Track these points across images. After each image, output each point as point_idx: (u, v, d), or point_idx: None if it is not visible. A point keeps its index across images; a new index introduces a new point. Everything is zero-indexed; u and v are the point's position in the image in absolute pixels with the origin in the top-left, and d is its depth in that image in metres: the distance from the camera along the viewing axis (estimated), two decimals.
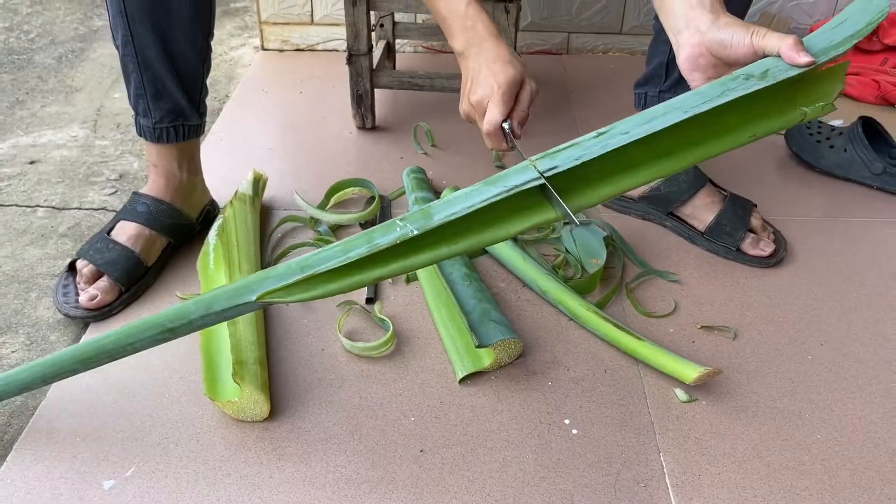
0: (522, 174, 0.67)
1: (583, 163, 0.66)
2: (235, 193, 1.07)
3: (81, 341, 0.91)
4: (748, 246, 1.06)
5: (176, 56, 0.95)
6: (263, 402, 0.79)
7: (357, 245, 0.67)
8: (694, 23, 0.74)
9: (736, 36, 0.71)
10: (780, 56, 0.68)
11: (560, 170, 0.66)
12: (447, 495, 0.74)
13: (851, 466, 0.77)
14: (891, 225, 1.16)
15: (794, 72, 0.67)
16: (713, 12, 0.73)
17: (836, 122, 1.38)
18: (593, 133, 0.68)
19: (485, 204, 0.66)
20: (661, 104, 0.70)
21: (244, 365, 0.81)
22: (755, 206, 1.11)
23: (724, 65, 0.73)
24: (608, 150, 0.66)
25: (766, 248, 1.06)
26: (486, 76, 0.80)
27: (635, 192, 1.15)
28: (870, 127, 1.26)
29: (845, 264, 1.07)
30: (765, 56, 0.70)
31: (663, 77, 1.07)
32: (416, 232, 0.66)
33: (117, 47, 0.95)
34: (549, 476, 0.76)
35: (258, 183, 1.15)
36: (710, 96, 0.68)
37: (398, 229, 0.67)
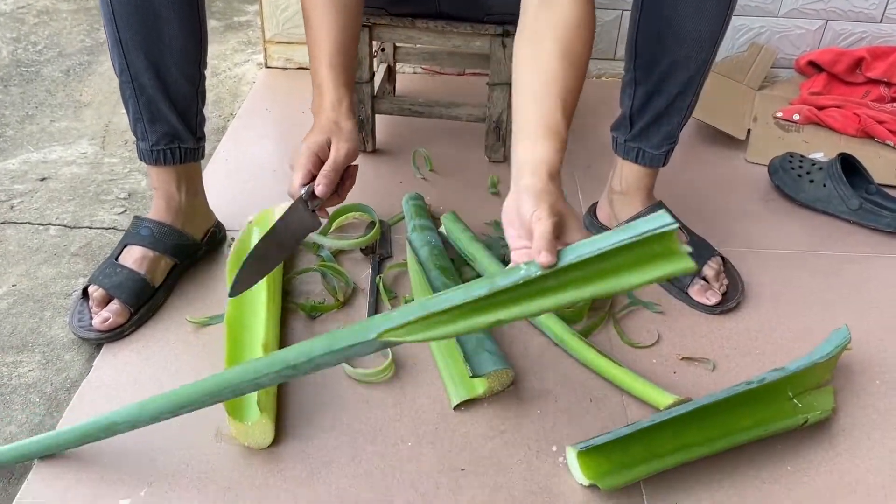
0: (660, 219, 0.65)
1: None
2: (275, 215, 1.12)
3: (95, 362, 0.96)
4: (695, 292, 1.09)
5: (169, 83, 1.00)
6: (270, 434, 0.85)
7: (479, 287, 0.68)
8: (518, 179, 0.75)
9: (526, 206, 0.71)
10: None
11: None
12: None
13: (817, 498, 0.83)
14: (868, 259, 1.22)
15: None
16: (534, 174, 0.74)
17: (818, 156, 1.44)
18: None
19: (612, 248, 0.65)
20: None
21: (268, 395, 0.87)
22: (716, 254, 1.13)
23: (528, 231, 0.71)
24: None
25: (711, 298, 1.08)
26: (303, 141, 0.93)
27: (610, 224, 1.20)
28: (848, 163, 1.32)
29: (820, 297, 1.13)
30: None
31: (629, 127, 1.11)
32: (538, 273, 0.66)
33: (116, 74, 1.00)
34: (536, 501, 0.81)
35: None
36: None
37: (522, 271, 0.67)
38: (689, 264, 0.65)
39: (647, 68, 1.04)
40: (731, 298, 1.10)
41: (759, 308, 1.11)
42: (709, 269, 1.11)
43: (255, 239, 1.06)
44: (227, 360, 0.92)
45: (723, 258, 1.15)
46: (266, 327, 0.96)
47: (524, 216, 0.72)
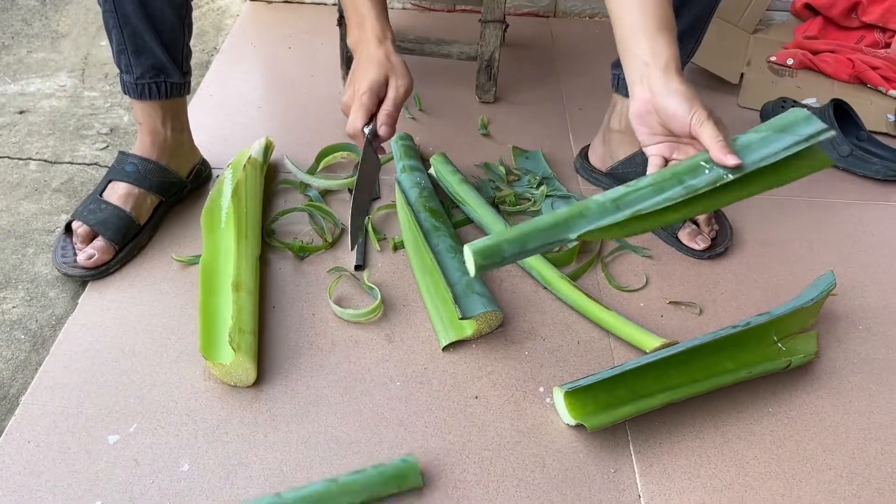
0: (813, 123, 0.76)
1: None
2: (248, 158, 1.09)
3: (81, 299, 0.95)
4: (685, 236, 1.09)
5: (154, 13, 0.97)
6: (252, 371, 0.85)
7: (670, 187, 0.75)
8: (647, 80, 0.78)
9: (680, 110, 0.76)
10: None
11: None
12: (429, 456, 0.80)
13: (797, 438, 0.85)
14: (851, 206, 1.22)
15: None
16: (666, 72, 0.77)
17: (810, 101, 1.43)
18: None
19: (786, 151, 0.75)
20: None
21: (242, 333, 0.86)
22: None
23: (666, 129, 0.79)
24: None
25: (700, 243, 1.08)
26: (356, 78, 0.88)
27: (602, 166, 1.20)
28: (841, 109, 1.31)
29: (808, 243, 1.14)
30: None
31: None
32: (730, 177, 0.74)
33: (99, 3, 0.97)
34: (523, 441, 0.82)
35: (267, 149, 1.17)
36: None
37: (706, 171, 0.75)
38: (829, 161, 0.79)
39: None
40: (720, 244, 1.10)
41: (746, 253, 1.11)
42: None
43: (227, 185, 1.04)
44: (202, 301, 0.91)
45: None
46: (236, 266, 0.94)
47: (679, 117, 0.76)
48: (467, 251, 0.73)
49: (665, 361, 0.84)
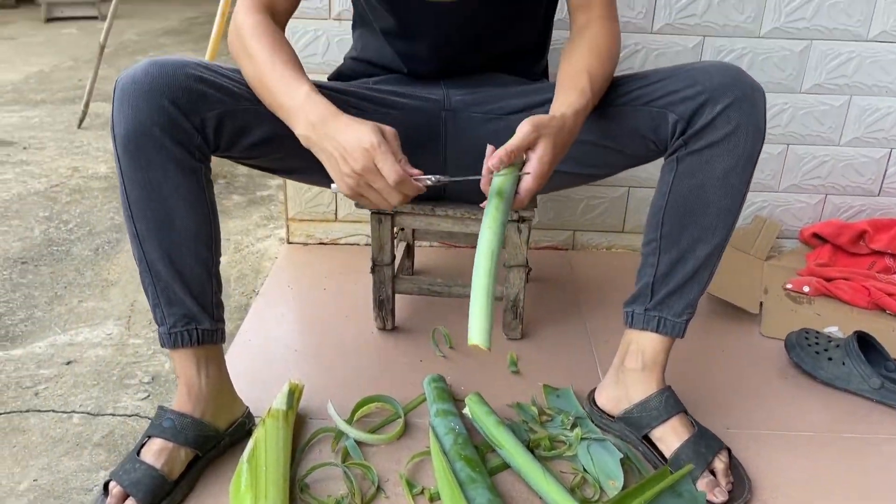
0: None
1: None
2: (269, 410, 1.12)
3: None
4: (703, 486, 1.05)
5: (182, 268, 1.03)
6: None
7: None
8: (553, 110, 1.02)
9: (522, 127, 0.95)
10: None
11: None
12: None
13: None
14: (890, 442, 1.21)
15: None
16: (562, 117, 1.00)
17: (832, 330, 1.46)
18: None
19: None
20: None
21: None
22: (724, 448, 1.10)
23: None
24: None
25: (718, 496, 1.04)
26: (353, 145, 0.92)
27: (615, 409, 1.18)
28: (865, 340, 1.33)
29: (844, 483, 1.11)
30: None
31: (649, 297, 1.14)
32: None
33: (136, 264, 1.04)
34: None
35: (293, 394, 1.19)
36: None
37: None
38: None
39: (673, 237, 1.09)
40: (738, 497, 1.06)
41: (787, 490, 1.08)
42: (718, 463, 1.08)
43: (249, 444, 1.06)
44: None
45: (729, 452, 1.12)
46: None
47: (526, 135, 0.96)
48: None
49: None
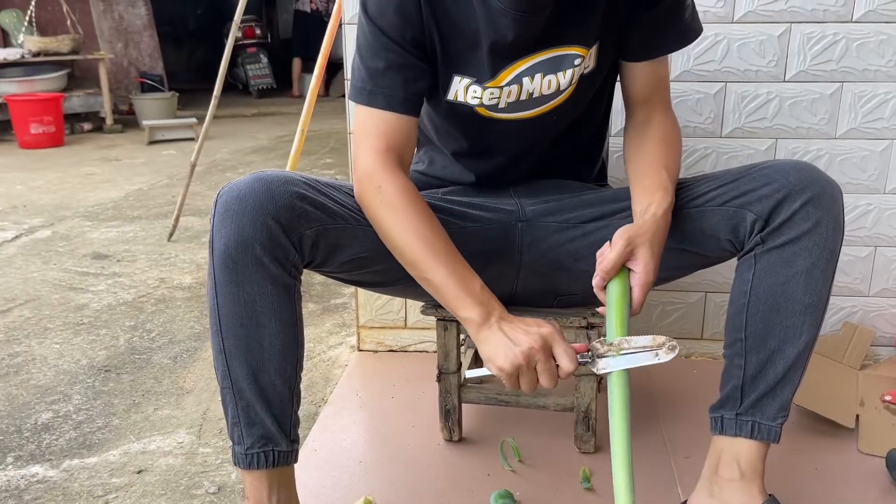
0: None
1: None
2: None
3: None
4: None
5: (266, 386, 1.02)
6: None
7: None
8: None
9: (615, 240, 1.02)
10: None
11: None
12: None
13: None
14: None
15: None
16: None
17: None
18: None
19: None
20: None
21: None
22: None
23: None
24: None
25: None
26: (526, 332, 0.96)
27: None
28: None
29: None
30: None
31: (739, 400, 1.08)
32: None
33: (218, 381, 1.04)
34: None
35: None
36: None
37: None
38: None
39: (759, 337, 1.05)
40: None
41: None
42: None
43: None
44: None
45: None
46: None
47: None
48: None
49: None
